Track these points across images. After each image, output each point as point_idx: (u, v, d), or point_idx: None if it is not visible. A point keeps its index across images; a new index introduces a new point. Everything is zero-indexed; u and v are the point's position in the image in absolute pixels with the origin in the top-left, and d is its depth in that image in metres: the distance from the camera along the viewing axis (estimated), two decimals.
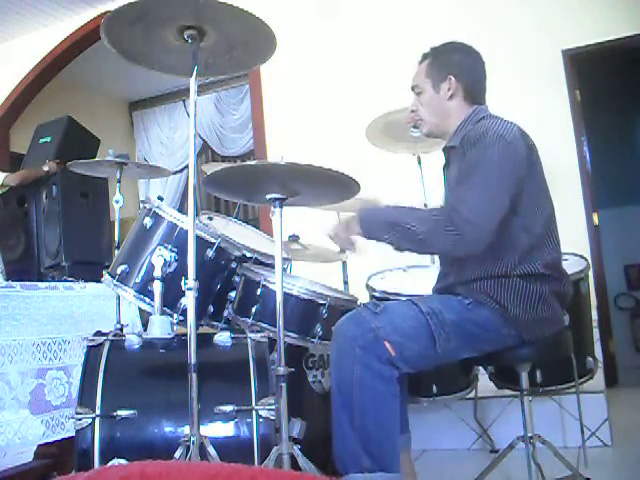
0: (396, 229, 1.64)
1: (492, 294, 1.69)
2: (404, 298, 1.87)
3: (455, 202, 1.61)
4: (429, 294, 1.89)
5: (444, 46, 1.88)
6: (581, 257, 2.36)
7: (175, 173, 6.62)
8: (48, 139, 4.03)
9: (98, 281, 1.98)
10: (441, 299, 1.75)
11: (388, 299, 2.11)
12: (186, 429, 1.53)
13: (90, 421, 1.52)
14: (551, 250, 1.75)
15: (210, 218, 2.45)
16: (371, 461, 1.53)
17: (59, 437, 2.07)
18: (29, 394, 2.00)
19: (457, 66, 1.83)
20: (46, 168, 3.78)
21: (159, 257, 1.79)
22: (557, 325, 1.79)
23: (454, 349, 1.67)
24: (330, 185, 1.70)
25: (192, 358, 1.50)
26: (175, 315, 1.82)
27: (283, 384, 1.58)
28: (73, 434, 1.54)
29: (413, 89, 1.90)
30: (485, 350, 1.73)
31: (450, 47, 1.88)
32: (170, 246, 1.82)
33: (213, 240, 1.88)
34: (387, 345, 1.57)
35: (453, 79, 1.82)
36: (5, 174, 3.75)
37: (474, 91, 1.85)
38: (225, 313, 2.02)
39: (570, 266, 2.22)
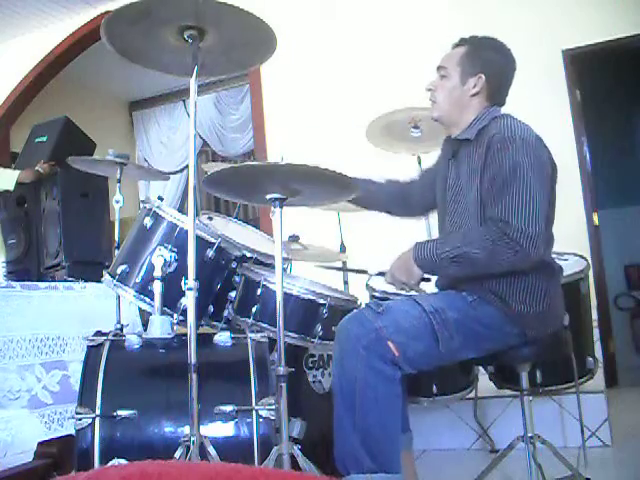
0: (458, 261, 1.65)
1: (497, 291, 1.70)
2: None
3: (503, 214, 1.61)
4: (431, 292, 1.89)
5: (485, 40, 1.83)
6: (581, 257, 2.36)
7: (175, 173, 6.62)
8: (44, 138, 4.02)
9: (98, 281, 1.98)
10: (444, 297, 1.75)
11: (388, 299, 2.11)
12: (186, 429, 1.53)
13: (90, 421, 1.52)
14: (551, 242, 1.79)
15: (210, 218, 2.44)
16: (372, 461, 1.53)
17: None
18: (57, 384, 2.02)
19: (491, 66, 1.78)
20: (40, 169, 3.74)
21: (159, 257, 1.79)
22: (559, 322, 1.81)
23: (457, 348, 1.67)
24: (330, 185, 1.70)
25: (192, 358, 1.50)
26: (175, 315, 1.82)
27: (283, 384, 1.58)
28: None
29: (439, 69, 1.85)
30: (488, 349, 1.73)
31: (490, 44, 1.83)
32: (170, 246, 1.82)
33: (213, 240, 1.88)
34: (391, 345, 1.57)
35: (483, 78, 1.78)
36: (18, 172, 3.72)
37: (498, 94, 1.83)
38: (225, 313, 2.02)
39: (570, 266, 2.22)
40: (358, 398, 1.56)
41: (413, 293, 1.83)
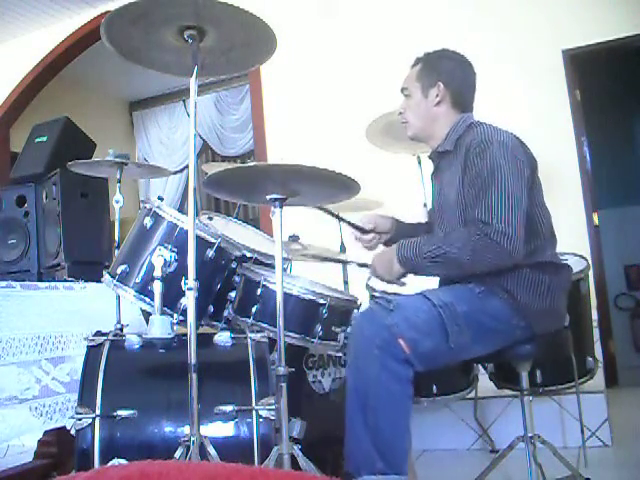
0: (439, 261, 1.68)
1: (503, 283, 1.71)
2: None
3: (483, 216, 1.64)
4: (438, 288, 1.90)
5: (437, 52, 1.92)
6: (581, 257, 2.36)
7: (175, 173, 6.62)
8: (44, 139, 4.01)
9: (98, 281, 1.98)
10: (452, 290, 1.75)
11: None
12: (186, 429, 1.53)
13: (90, 421, 1.52)
14: (554, 243, 1.83)
15: (210, 218, 2.44)
16: (384, 463, 1.53)
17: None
18: (67, 375, 2.02)
19: (447, 73, 1.87)
20: None
21: (159, 257, 1.79)
22: (562, 320, 1.83)
23: (466, 343, 1.67)
24: (330, 185, 1.70)
25: (192, 358, 1.50)
26: (175, 315, 1.82)
27: (283, 384, 1.58)
28: None
29: (402, 91, 1.95)
30: (496, 344, 1.74)
31: (443, 54, 1.92)
32: (170, 246, 1.82)
33: (213, 240, 1.88)
34: (401, 342, 1.58)
35: (442, 85, 1.86)
36: None
37: (462, 99, 1.89)
38: (225, 313, 2.02)
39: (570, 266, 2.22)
40: (371, 398, 1.56)
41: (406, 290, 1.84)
